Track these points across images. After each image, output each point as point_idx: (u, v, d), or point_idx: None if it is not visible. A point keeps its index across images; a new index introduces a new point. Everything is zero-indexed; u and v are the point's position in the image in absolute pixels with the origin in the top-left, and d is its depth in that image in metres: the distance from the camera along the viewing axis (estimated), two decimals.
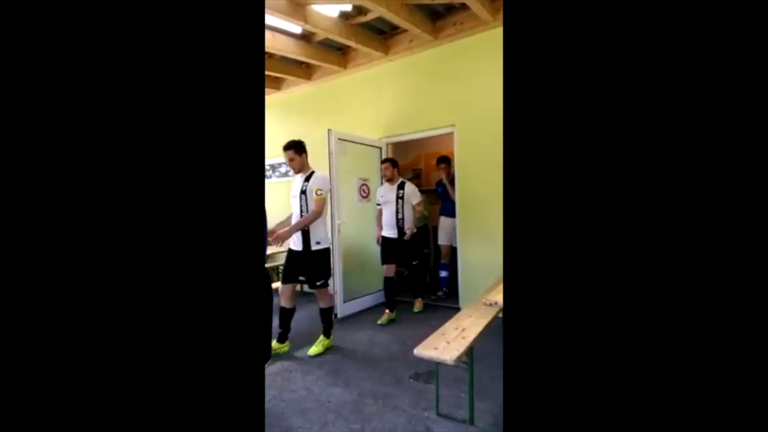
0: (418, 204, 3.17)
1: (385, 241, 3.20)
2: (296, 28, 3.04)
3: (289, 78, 4.03)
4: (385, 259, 3.19)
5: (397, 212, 3.11)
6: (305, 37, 3.32)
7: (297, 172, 2.46)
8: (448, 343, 1.70)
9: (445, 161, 3.55)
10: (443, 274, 3.59)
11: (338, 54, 3.68)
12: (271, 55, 3.56)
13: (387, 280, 3.19)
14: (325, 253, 2.47)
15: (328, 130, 3.09)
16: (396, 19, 2.81)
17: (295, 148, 2.40)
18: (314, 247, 2.39)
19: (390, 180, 3.17)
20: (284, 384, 2.10)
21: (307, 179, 2.41)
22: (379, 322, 3.01)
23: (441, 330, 1.87)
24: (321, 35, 3.13)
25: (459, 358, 1.56)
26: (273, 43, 3.08)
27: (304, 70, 3.96)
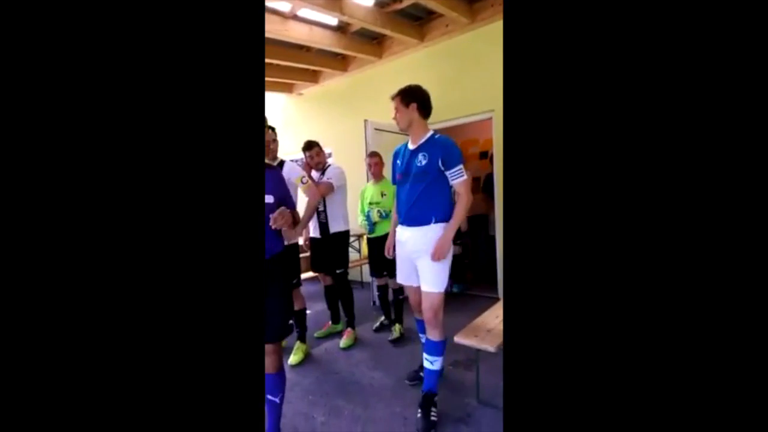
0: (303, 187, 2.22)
1: (312, 245, 2.58)
2: (332, 20, 3.07)
3: (326, 70, 4.09)
4: (315, 266, 2.59)
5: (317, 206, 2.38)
6: (341, 29, 3.35)
7: (272, 158, 2.20)
8: (488, 330, 1.69)
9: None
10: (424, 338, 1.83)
11: (373, 44, 3.68)
12: (309, 49, 3.64)
13: (326, 290, 2.63)
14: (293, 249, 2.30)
15: (365, 120, 3.12)
16: (432, 4, 2.75)
17: (274, 130, 2.21)
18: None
19: (322, 167, 2.49)
20: (328, 366, 2.20)
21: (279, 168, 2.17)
22: (341, 345, 2.46)
23: (480, 318, 1.86)
24: (357, 25, 3.14)
25: (500, 346, 1.55)
26: (310, 36, 3.13)
27: (340, 62, 4.00)
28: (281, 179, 1.48)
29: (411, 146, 1.68)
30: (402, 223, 1.69)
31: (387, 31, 3.15)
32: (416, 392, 1.82)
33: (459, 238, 2.81)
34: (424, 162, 1.59)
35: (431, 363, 1.63)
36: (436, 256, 1.55)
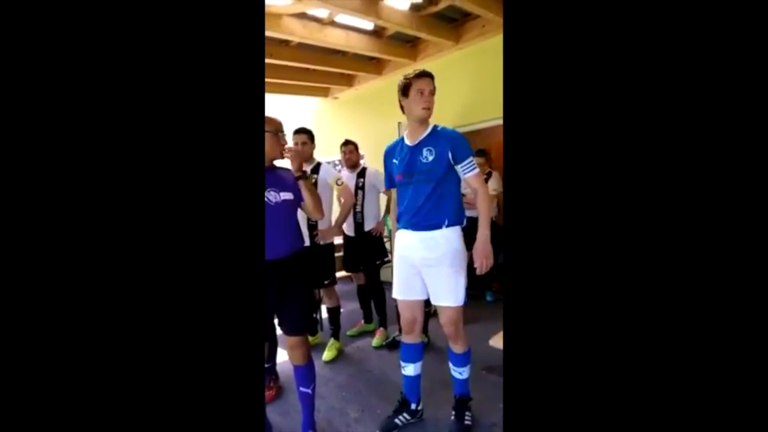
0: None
1: (346, 243, 2.61)
2: (368, 25, 3.13)
3: (361, 74, 4.16)
4: (348, 265, 2.61)
5: (354, 205, 2.45)
6: (377, 33, 3.40)
7: (305, 159, 2.21)
8: None
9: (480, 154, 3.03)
10: (409, 369, 1.61)
11: (408, 47, 3.70)
12: (345, 54, 3.72)
13: (359, 289, 2.66)
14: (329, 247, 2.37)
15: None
16: (468, 5, 2.74)
17: (310, 134, 2.27)
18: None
19: (354, 166, 2.56)
20: (361, 364, 2.23)
21: (315, 170, 2.25)
22: (373, 343, 2.50)
23: None
24: (392, 29, 3.18)
25: None
26: (347, 41, 3.21)
27: (374, 66, 4.06)
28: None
29: (410, 142, 1.48)
30: (407, 228, 1.47)
31: (422, 34, 3.16)
32: (449, 395, 1.81)
33: (381, 255, 2.64)
34: (430, 158, 1.40)
35: (460, 373, 1.58)
36: (485, 266, 1.37)
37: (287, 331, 1.47)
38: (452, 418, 1.58)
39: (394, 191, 1.63)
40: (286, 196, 1.43)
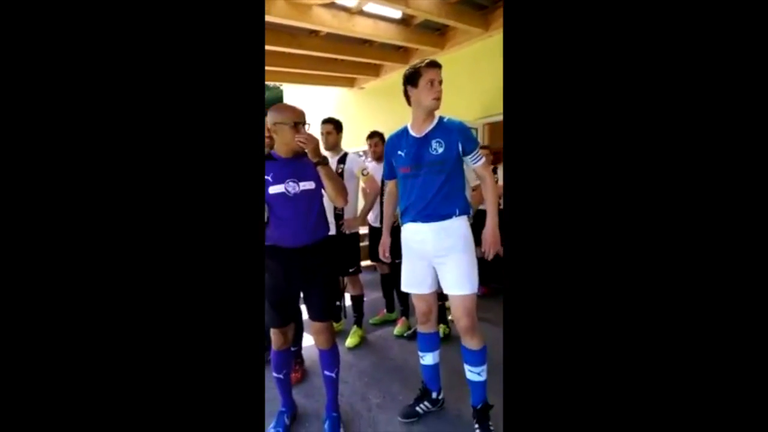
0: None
1: (371, 233, 2.63)
2: (396, 13, 3.10)
3: (387, 64, 4.14)
4: (373, 254, 2.39)
5: (381, 194, 2.40)
6: (404, 21, 3.36)
7: (328, 148, 2.28)
8: None
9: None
10: (427, 358, 1.64)
11: (436, 35, 3.64)
12: (371, 43, 3.71)
13: (383, 278, 2.65)
14: (354, 237, 2.38)
15: None
16: None
17: (336, 124, 2.34)
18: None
19: (381, 158, 2.48)
20: (383, 351, 2.27)
21: (342, 161, 2.29)
22: (395, 332, 2.53)
23: None
24: (420, 17, 3.13)
25: None
26: (375, 30, 3.19)
27: (401, 55, 4.03)
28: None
29: (416, 134, 1.46)
30: (417, 220, 1.45)
31: (451, 22, 3.10)
32: (467, 387, 1.82)
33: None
34: (440, 150, 1.40)
35: (478, 374, 1.47)
36: (493, 252, 1.41)
37: (312, 317, 1.52)
38: (477, 431, 1.49)
39: (392, 184, 1.63)
40: (307, 185, 1.43)
